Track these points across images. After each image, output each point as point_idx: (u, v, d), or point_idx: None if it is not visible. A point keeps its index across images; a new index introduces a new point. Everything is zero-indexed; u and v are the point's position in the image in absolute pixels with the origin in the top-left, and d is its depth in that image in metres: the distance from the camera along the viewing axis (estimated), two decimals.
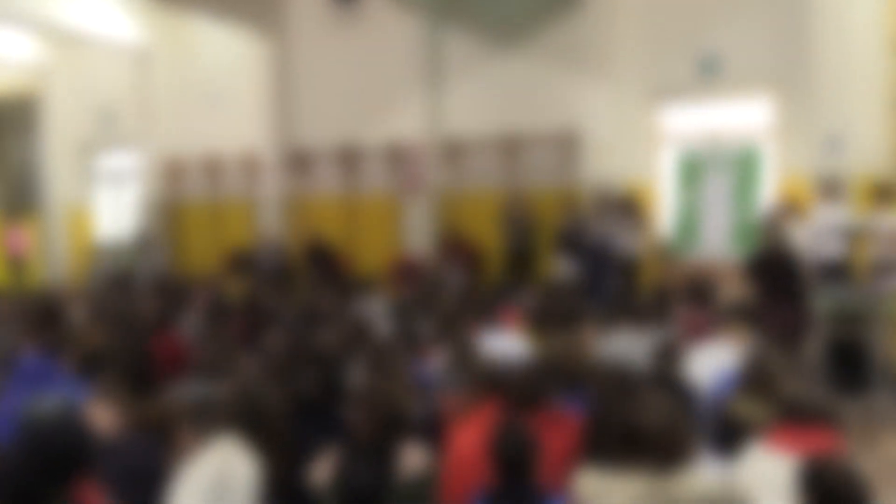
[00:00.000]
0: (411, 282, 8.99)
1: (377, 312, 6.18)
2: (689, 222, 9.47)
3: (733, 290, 6.63)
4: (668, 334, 4.36)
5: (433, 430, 3.24)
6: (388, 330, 5.33)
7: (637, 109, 9.46)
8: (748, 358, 3.54)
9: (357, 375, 3.91)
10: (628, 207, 8.95)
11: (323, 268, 10.84)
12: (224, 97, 12.18)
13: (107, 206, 13.51)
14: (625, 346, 4.48)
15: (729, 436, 3.09)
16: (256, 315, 6.03)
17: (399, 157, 10.92)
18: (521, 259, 9.89)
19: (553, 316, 5.02)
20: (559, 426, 3.00)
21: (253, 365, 4.65)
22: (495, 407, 3.13)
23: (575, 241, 9.18)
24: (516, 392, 3.07)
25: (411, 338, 4.54)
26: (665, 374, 3.86)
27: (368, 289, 7.41)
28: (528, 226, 9.91)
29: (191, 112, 12.48)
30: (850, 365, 5.85)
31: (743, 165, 9.16)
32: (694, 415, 3.36)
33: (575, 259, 9.13)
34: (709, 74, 9.12)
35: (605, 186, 9.28)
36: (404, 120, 10.80)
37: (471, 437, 2.99)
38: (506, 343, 4.91)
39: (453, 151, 10.62)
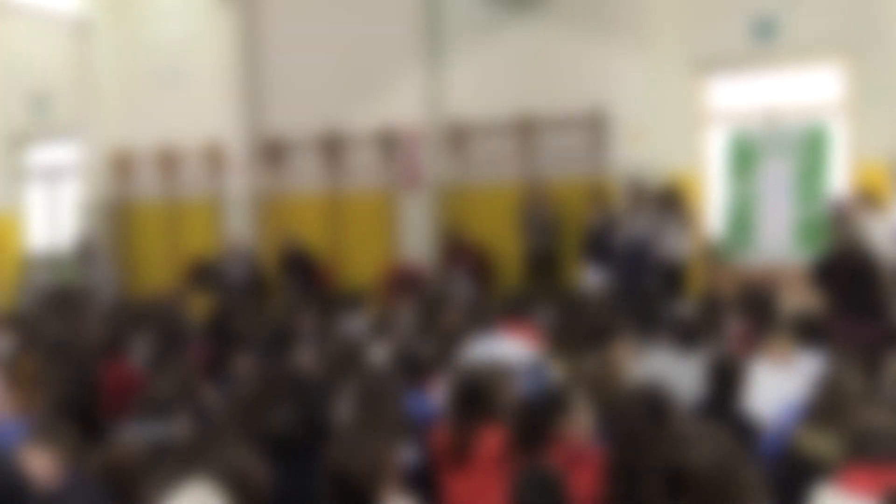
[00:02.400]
0: (409, 294, 9.04)
1: (368, 332, 6.19)
2: (743, 218, 9.47)
3: (797, 300, 6.63)
4: (719, 354, 4.32)
5: (431, 477, 3.24)
6: (382, 353, 5.35)
7: (678, 84, 9.47)
8: (817, 382, 3.54)
9: (344, 410, 3.90)
10: (669, 202, 8.97)
11: (302, 279, 10.87)
12: (182, 77, 12.22)
13: (40, 210, 13.51)
14: (667, 369, 4.47)
15: (795, 476, 3.07)
16: (222, 338, 6.05)
17: (392, 146, 10.93)
18: (543, 265, 9.92)
19: (579, 333, 5.04)
20: (585, 466, 2.97)
21: (218, 398, 4.69)
22: (500, 442, 3.07)
23: (605, 242, 9.20)
24: (520, 423, 3.03)
25: (409, 363, 4.53)
26: (716, 403, 3.85)
27: (357, 304, 7.44)
28: (552, 225, 9.93)
29: (142, 95, 12.52)
30: None
31: (807, 149, 9.17)
32: (753, 452, 3.36)
33: (605, 265, 9.15)
34: (764, 40, 9.12)
35: (641, 177, 9.27)
36: (399, 101, 10.81)
37: (473, 484, 2.97)
38: (505, 347, 4.91)
39: (458, 137, 10.63)
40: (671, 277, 8.77)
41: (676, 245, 8.90)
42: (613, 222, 9.32)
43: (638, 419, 3.02)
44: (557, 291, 8.65)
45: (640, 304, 6.81)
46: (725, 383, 3.93)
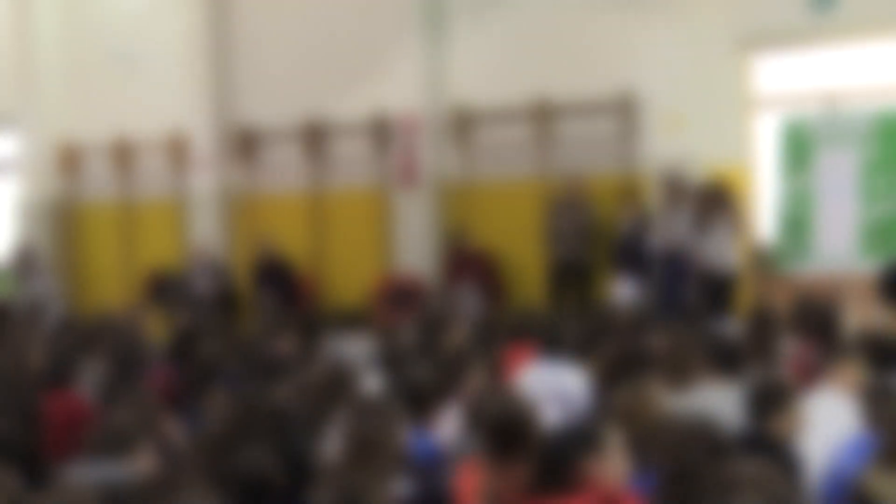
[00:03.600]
0: (407, 312, 9.04)
1: (359, 357, 6.19)
2: (799, 220, 9.45)
3: (864, 316, 6.63)
4: (772, 380, 4.33)
5: None
6: (376, 383, 5.32)
7: (722, 63, 9.47)
8: (887, 415, 3.51)
9: (331, 449, 3.92)
10: (712, 201, 8.99)
11: (281, 294, 10.89)
12: (139, 58, 12.25)
13: None
14: (712, 399, 4.48)
15: None
16: (188, 364, 6.01)
17: (386, 136, 10.95)
18: (570, 277, 9.90)
19: (610, 358, 5.06)
20: None
21: (183, 434, 4.68)
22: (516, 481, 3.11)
23: (638, 249, 9.21)
24: (544, 462, 3.06)
25: (410, 393, 4.56)
26: (768, 437, 3.87)
27: (346, 323, 7.45)
28: (587, 230, 9.92)
29: (92, 79, 12.55)
30: None
31: (874, 138, 9.12)
32: (811, 495, 3.42)
33: (638, 275, 9.15)
34: (823, 12, 9.09)
35: (679, 172, 9.28)
36: (393, 84, 10.83)
37: None
38: (564, 378, 5.00)
39: (463, 126, 10.66)
40: (715, 290, 8.77)
41: (721, 252, 8.91)
42: (647, 225, 9.33)
43: (691, 460, 3.03)
44: (587, 308, 8.66)
45: (679, 322, 6.84)
46: (769, 412, 3.93)
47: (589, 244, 9.90)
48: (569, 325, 6.44)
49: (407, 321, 7.78)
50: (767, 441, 3.84)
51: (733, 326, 6.79)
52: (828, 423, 4.16)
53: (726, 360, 4.87)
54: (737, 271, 9.00)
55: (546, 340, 5.59)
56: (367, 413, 3.85)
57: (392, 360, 5.82)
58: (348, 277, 11.14)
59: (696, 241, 8.87)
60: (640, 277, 9.16)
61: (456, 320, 7.01)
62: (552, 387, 5.03)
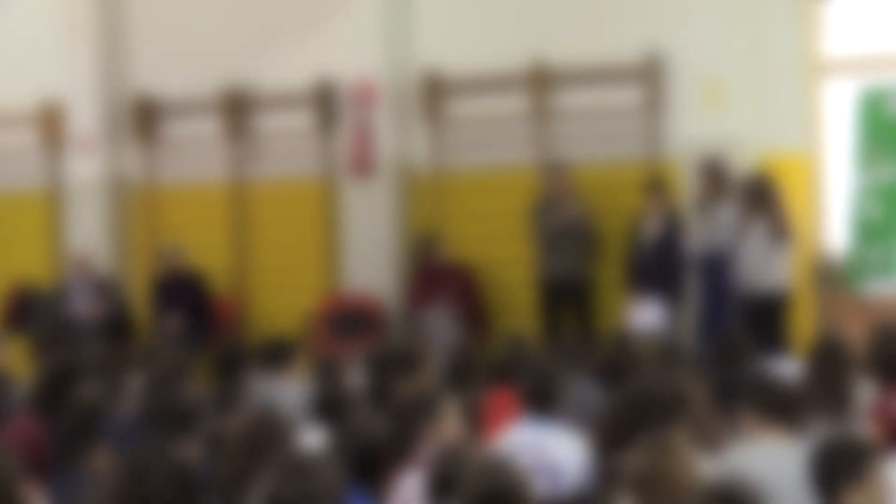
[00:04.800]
0: (358, 344, 8.94)
1: (294, 403, 6.20)
2: (879, 224, 9.47)
3: None
4: (844, 436, 4.30)
5: None
6: (315, 437, 5.32)
7: (776, 17, 9.53)
8: None
9: None
10: (762, 198, 9.02)
11: (192, 319, 10.88)
12: (7, 18, 12.23)
13: None
14: (763, 461, 4.47)
15: None
16: (61, 413, 5.90)
17: (332, 111, 10.97)
18: (565, 298, 9.91)
19: (627, 407, 5.06)
20: None
21: None
22: None
23: (665, 260, 9.22)
24: None
25: (358, 451, 4.56)
26: None
27: (278, 358, 7.44)
28: (586, 233, 9.92)
29: None
30: None
31: None
32: None
33: (665, 294, 9.13)
34: None
35: (719, 159, 9.33)
36: (343, 44, 10.85)
37: None
38: (551, 443, 5.01)
39: (434, 98, 10.66)
40: (766, 315, 8.81)
41: (773, 264, 8.94)
42: (677, 229, 9.35)
43: None
44: (593, 338, 8.65)
45: (718, 358, 6.81)
46: (840, 480, 3.94)
47: (588, 254, 9.94)
48: (568, 363, 6.40)
49: (357, 356, 7.77)
50: None
51: (791, 365, 6.79)
52: None
53: (782, 409, 4.85)
54: (792, 291, 9.06)
55: (535, 389, 5.60)
56: (301, 476, 3.84)
57: (336, 408, 5.80)
58: (281, 297, 11.10)
59: (739, 250, 8.95)
60: (670, 299, 9.18)
61: (422, 356, 6.85)
62: (539, 455, 5.08)
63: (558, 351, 7.28)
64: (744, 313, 8.90)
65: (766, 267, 8.92)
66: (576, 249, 9.85)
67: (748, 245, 8.92)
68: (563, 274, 9.85)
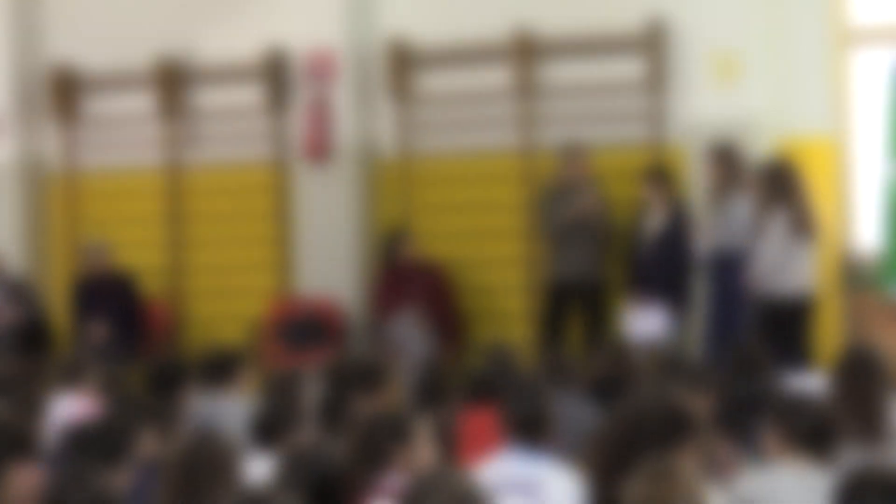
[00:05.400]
0: (314, 356, 8.92)
1: (239, 425, 6.17)
2: None
3: None
4: (879, 465, 4.33)
5: None
6: (263, 465, 5.30)
7: None
8: None
9: None
10: (781, 187, 9.01)
11: (120, 327, 10.81)
12: None
13: None
14: (784, 489, 4.51)
15: None
16: None
17: (284, 86, 10.98)
18: (579, 299, 9.92)
19: (625, 429, 5.01)
20: None
21: None
22: None
23: (670, 259, 9.25)
24: None
25: (313, 482, 4.55)
26: None
27: (222, 372, 7.42)
28: (604, 227, 9.91)
29: None
30: None
31: None
32: None
33: (670, 299, 9.18)
34: None
35: (732, 143, 9.33)
36: (298, 10, 10.86)
37: None
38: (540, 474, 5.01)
39: (403, 71, 10.66)
40: (785, 323, 8.82)
41: (794, 264, 8.95)
42: (683, 224, 9.38)
43: None
44: (592, 349, 8.62)
45: (731, 372, 6.83)
46: None
47: (603, 254, 9.97)
48: (559, 378, 6.40)
49: (313, 370, 7.70)
50: None
51: (814, 379, 6.81)
52: None
53: (811, 432, 4.83)
54: (815, 295, 9.07)
55: (523, 412, 5.55)
56: None
57: (289, 430, 5.79)
58: (225, 301, 11.13)
59: (755, 246, 8.96)
60: (675, 304, 9.23)
61: (388, 370, 6.87)
62: (527, 490, 5.10)
63: (551, 364, 7.21)
64: (760, 320, 8.91)
65: (785, 267, 8.91)
66: (590, 246, 9.90)
67: (765, 242, 8.92)
68: (573, 275, 9.88)
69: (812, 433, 4.84)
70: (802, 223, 8.99)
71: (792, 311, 8.91)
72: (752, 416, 5.67)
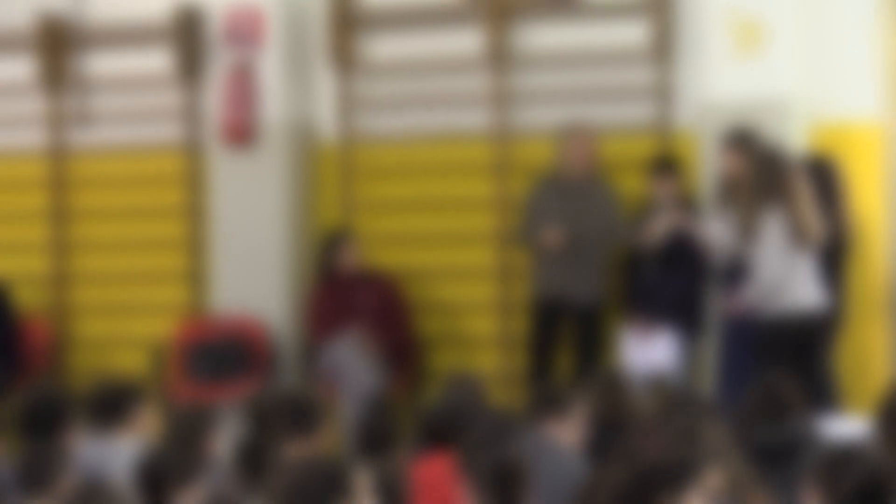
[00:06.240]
0: (231, 389, 8.96)
1: (134, 473, 6.06)
2: None
3: None
4: None
5: None
6: None
7: None
8: None
9: None
10: (822, 188, 9.02)
11: None
12: None
13: None
14: None
15: None
16: None
17: (200, 53, 11.00)
18: (575, 319, 9.96)
19: (621, 483, 4.92)
20: None
21: None
22: None
23: (676, 270, 9.37)
24: None
25: None
26: None
27: (115, 408, 7.32)
28: (616, 231, 9.97)
29: None
30: None
31: None
32: None
33: (677, 320, 9.29)
34: None
35: (752, 129, 9.30)
36: None
37: None
38: None
39: (346, 36, 10.67)
40: (814, 351, 8.89)
41: (829, 280, 8.98)
42: (695, 227, 9.39)
43: None
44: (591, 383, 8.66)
45: (754, 414, 6.85)
46: None
47: (605, 267, 10.02)
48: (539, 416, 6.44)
49: (231, 406, 7.84)
50: None
51: (853, 424, 6.95)
52: None
53: (855, 490, 4.84)
54: (855, 317, 9.11)
55: (492, 460, 5.52)
56: None
57: (193, 482, 5.76)
58: (120, 320, 11.17)
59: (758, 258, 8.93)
60: (684, 327, 9.31)
61: (323, 406, 6.96)
62: None
63: (539, 398, 7.21)
64: (785, 347, 8.84)
65: (819, 284, 8.93)
66: (590, 257, 9.94)
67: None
68: (565, 291, 9.93)
69: (863, 493, 4.86)
70: (844, 231, 9.12)
71: (824, 337, 8.98)
72: (784, 467, 5.73)
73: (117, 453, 6.75)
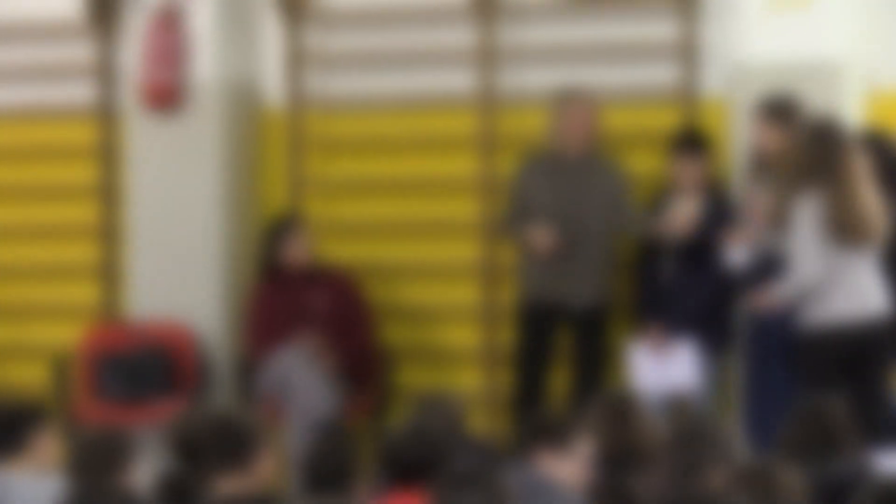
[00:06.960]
0: (154, 408, 8.92)
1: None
2: None
3: None
4: None
5: None
6: None
7: None
8: None
9: None
10: (879, 171, 8.99)
11: None
12: None
13: None
14: None
15: None
16: None
17: (114, 2, 10.93)
18: (575, 326, 10.02)
19: None
20: None
21: None
22: None
23: (701, 269, 9.39)
24: None
25: None
26: None
27: (11, 434, 7.16)
28: (624, 220, 9.98)
29: None
30: None
31: None
32: None
33: (701, 332, 9.30)
34: None
35: (793, 97, 9.37)
36: None
37: None
38: None
39: None
40: (871, 368, 8.87)
41: (885, 283, 8.97)
42: (724, 216, 9.42)
43: None
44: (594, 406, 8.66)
45: (799, 448, 6.76)
46: None
47: (613, 266, 10.05)
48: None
49: (151, 430, 7.83)
50: None
51: None
52: None
53: None
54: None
55: (472, 498, 5.49)
56: None
57: None
58: (15, 327, 11.19)
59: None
60: (709, 336, 9.32)
61: (262, 430, 6.86)
62: None
63: (531, 425, 7.19)
64: (835, 364, 8.83)
65: (879, 287, 8.96)
66: (598, 250, 10.01)
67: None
68: (567, 291, 9.98)
69: None
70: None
71: (879, 352, 8.97)
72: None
73: (15, 487, 6.77)
